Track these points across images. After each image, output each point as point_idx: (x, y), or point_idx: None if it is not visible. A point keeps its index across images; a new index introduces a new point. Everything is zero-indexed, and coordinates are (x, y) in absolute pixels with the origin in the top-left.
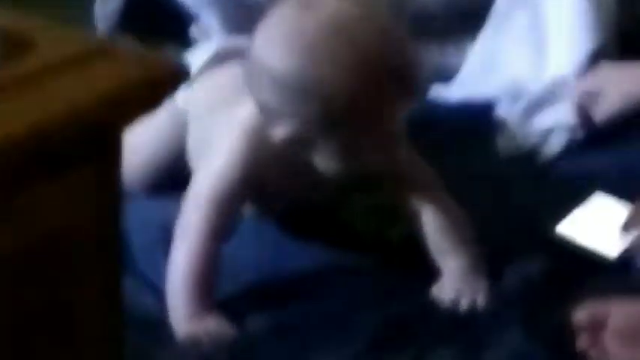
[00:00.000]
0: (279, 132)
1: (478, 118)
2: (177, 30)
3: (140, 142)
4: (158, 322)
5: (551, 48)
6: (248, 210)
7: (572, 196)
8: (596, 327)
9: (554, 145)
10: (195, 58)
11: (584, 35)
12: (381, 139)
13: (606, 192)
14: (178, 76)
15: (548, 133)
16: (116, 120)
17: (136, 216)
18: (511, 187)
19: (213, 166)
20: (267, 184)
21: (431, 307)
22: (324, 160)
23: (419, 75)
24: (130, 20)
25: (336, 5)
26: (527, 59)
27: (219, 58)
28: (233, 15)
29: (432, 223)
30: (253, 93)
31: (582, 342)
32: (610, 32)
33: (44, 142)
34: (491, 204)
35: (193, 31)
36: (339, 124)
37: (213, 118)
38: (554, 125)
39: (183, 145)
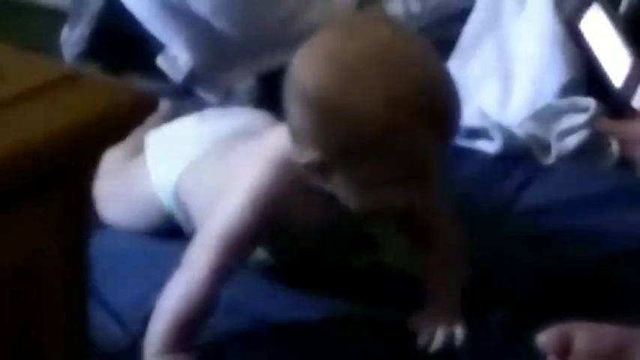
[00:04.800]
0: (303, 157)
1: None
2: (144, 60)
3: (115, 216)
4: (122, 353)
5: (518, 80)
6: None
7: (541, 226)
8: (563, 350)
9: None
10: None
11: (552, 68)
12: (409, 181)
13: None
14: (146, 105)
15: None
16: (83, 149)
17: (104, 244)
18: (481, 216)
19: (230, 204)
20: (285, 223)
21: (410, 341)
22: (344, 193)
23: (457, 120)
24: (96, 49)
25: (384, 35)
26: (494, 90)
27: (205, 155)
28: (201, 46)
29: (439, 255)
30: (288, 115)
31: None
32: (580, 64)
33: (11, 171)
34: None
35: (160, 61)
36: (363, 156)
37: (220, 171)
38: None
39: (162, 221)
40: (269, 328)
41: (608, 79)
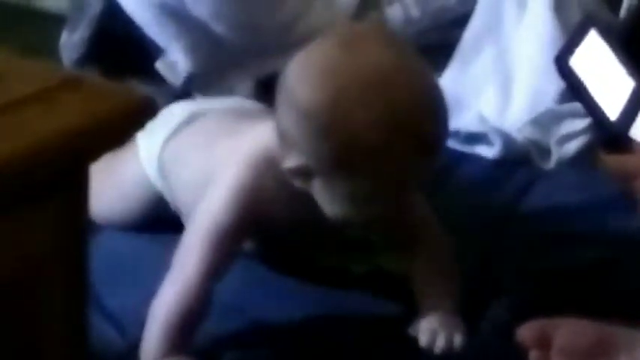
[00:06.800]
0: (288, 161)
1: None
2: (143, 64)
3: (107, 202)
4: (120, 359)
5: (518, 85)
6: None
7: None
8: (543, 344)
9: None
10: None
11: (552, 73)
12: (392, 198)
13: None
14: (145, 109)
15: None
16: (83, 153)
17: (101, 248)
18: (481, 222)
19: (213, 202)
20: (269, 220)
21: (411, 347)
22: (322, 199)
23: (443, 141)
24: (96, 54)
25: (380, 54)
26: (494, 95)
27: (190, 119)
28: (200, 50)
29: (423, 262)
30: (277, 117)
31: (532, 358)
32: None
33: (11, 176)
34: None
35: (159, 65)
36: (348, 170)
37: (203, 157)
38: None
39: (155, 208)
40: (266, 331)
41: (602, 112)
